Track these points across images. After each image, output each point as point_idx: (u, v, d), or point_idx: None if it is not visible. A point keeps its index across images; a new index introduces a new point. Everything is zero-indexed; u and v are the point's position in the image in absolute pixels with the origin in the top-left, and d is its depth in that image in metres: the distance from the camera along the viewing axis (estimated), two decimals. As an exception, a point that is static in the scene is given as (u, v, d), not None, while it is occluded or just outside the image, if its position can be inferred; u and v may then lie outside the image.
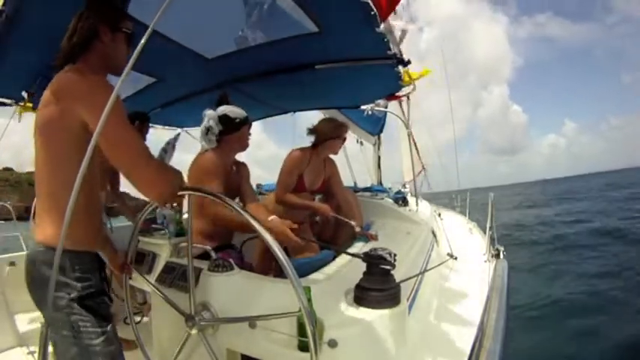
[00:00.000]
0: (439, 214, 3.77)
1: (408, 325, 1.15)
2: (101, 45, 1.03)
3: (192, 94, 2.57)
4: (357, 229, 2.04)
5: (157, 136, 3.41)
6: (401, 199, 2.82)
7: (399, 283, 1.10)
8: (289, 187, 2.15)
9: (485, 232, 3.10)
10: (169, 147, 3.39)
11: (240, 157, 1.98)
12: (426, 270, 1.79)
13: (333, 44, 1.80)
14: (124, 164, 0.93)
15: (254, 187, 3.44)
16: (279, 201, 2.13)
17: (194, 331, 1.04)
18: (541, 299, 4.99)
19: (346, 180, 2.78)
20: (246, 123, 1.81)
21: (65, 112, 0.92)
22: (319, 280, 1.28)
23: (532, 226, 12.51)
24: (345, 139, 2.33)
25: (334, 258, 1.57)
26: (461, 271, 2.27)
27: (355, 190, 3.26)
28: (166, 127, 3.43)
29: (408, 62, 1.83)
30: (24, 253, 2.80)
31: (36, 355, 2.01)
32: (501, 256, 2.47)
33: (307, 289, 0.90)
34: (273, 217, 1.54)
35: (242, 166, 1.96)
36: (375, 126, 4.67)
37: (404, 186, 3.55)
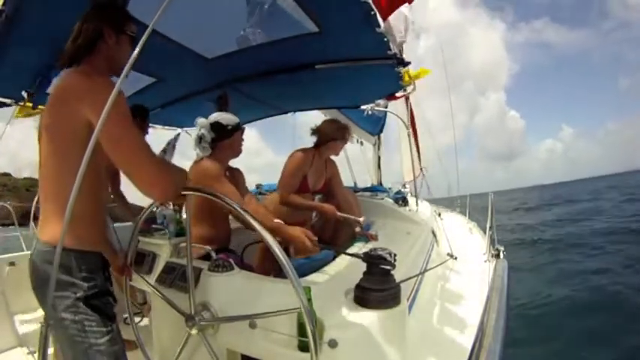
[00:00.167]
0: (439, 214, 3.77)
1: (408, 325, 1.15)
2: (105, 47, 1.04)
3: (192, 94, 2.57)
4: (357, 229, 2.04)
5: (157, 136, 3.41)
6: (401, 199, 2.82)
7: (399, 283, 1.10)
8: (293, 187, 2.15)
9: (485, 232, 3.10)
10: (169, 147, 3.39)
11: (239, 164, 1.99)
12: (426, 270, 1.79)
13: (333, 44, 1.81)
14: (124, 162, 0.93)
15: (254, 187, 3.45)
16: (284, 202, 2.12)
17: (194, 331, 1.04)
18: (541, 298, 4.99)
19: (346, 180, 2.79)
20: (238, 129, 1.82)
21: (71, 113, 0.92)
22: (319, 280, 1.28)
23: (532, 227, 12.52)
24: (347, 141, 2.33)
25: (334, 258, 1.57)
26: (461, 271, 2.27)
27: (355, 190, 3.27)
28: (166, 127, 3.43)
29: (408, 62, 1.83)
30: (24, 253, 2.80)
31: (36, 355, 2.01)
32: (501, 256, 2.47)
33: (307, 289, 0.90)
34: (277, 220, 1.55)
35: (236, 172, 1.98)
36: (375, 126, 4.67)
37: (404, 186, 3.55)
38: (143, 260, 1.68)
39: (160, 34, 1.58)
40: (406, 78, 2.07)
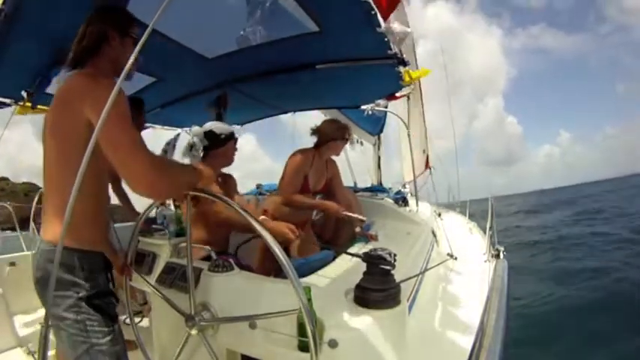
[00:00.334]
0: (439, 214, 3.77)
1: (408, 325, 1.15)
2: (110, 49, 1.05)
3: (192, 94, 2.57)
4: (357, 230, 2.04)
5: (157, 136, 3.41)
6: (401, 200, 2.82)
7: (399, 283, 1.10)
8: (296, 187, 2.14)
9: (485, 233, 3.09)
10: (170, 147, 3.38)
11: (237, 170, 2.01)
12: (426, 270, 1.79)
13: (334, 44, 1.81)
14: (119, 163, 0.91)
15: (254, 187, 3.45)
16: (287, 201, 2.12)
17: (194, 332, 1.04)
18: (542, 298, 4.99)
19: (346, 180, 2.78)
20: (231, 139, 1.84)
21: (73, 114, 0.93)
22: (319, 280, 1.28)
23: (532, 228, 12.54)
24: (347, 141, 2.33)
25: (334, 258, 1.57)
26: (461, 272, 2.27)
27: (355, 190, 3.27)
28: (166, 127, 3.43)
29: (409, 62, 1.83)
30: (24, 253, 2.80)
31: (36, 355, 2.01)
32: (501, 256, 2.47)
33: (307, 289, 0.90)
34: (262, 217, 1.57)
35: (228, 178, 2.00)
36: (375, 126, 4.67)
37: (404, 186, 3.55)
38: (143, 260, 1.68)
39: (160, 33, 1.59)
40: (406, 78, 2.07)
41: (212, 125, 1.82)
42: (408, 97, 3.78)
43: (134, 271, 1.29)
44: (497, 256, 2.48)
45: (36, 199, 2.98)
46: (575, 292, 5.27)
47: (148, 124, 3.19)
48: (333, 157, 2.41)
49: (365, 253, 1.13)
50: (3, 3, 1.20)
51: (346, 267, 1.39)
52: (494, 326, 1.30)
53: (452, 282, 2.09)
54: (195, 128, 1.80)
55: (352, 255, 1.29)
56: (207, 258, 1.37)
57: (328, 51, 1.93)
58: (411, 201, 2.94)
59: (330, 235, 2.41)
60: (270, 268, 1.86)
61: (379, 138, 5.00)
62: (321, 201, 2.22)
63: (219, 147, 1.81)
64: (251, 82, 2.36)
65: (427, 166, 4.68)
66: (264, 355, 1.03)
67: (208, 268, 1.24)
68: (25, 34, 1.41)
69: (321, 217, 2.52)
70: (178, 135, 3.52)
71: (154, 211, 2.17)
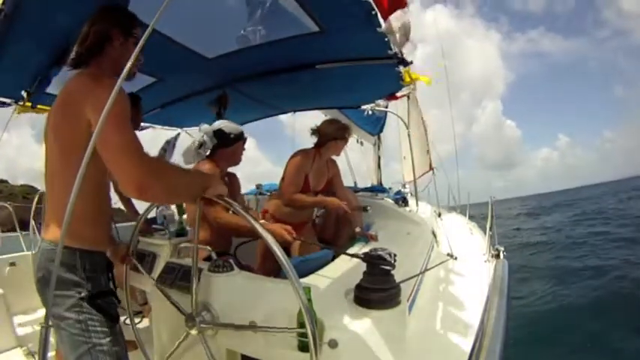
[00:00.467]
0: (439, 215, 3.77)
1: (407, 325, 1.15)
2: (113, 49, 1.05)
3: (192, 94, 2.57)
4: (357, 230, 2.04)
5: (157, 136, 3.41)
6: (401, 200, 2.82)
7: (399, 283, 1.10)
8: (297, 187, 2.14)
9: (485, 233, 3.09)
10: (169, 146, 3.38)
11: (239, 173, 2.01)
12: (426, 270, 1.79)
13: (334, 44, 1.80)
14: (112, 163, 0.89)
15: (254, 187, 3.46)
16: (289, 200, 2.11)
17: (194, 332, 1.04)
18: (542, 298, 5.00)
19: (346, 180, 2.78)
20: (240, 139, 1.84)
21: (75, 114, 0.93)
22: (319, 280, 1.28)
23: (532, 230, 12.55)
24: (347, 141, 2.33)
25: (334, 258, 1.57)
26: (461, 272, 2.26)
27: (355, 190, 3.26)
28: (166, 127, 3.43)
29: (410, 62, 1.83)
30: (24, 253, 2.80)
31: (36, 356, 2.01)
32: (501, 256, 2.47)
33: (307, 289, 0.90)
34: (262, 221, 1.57)
35: (233, 178, 1.99)
36: (375, 126, 4.67)
37: (404, 186, 3.55)
38: (143, 260, 1.69)
39: (160, 33, 1.58)
40: (406, 78, 2.07)
41: (222, 124, 1.81)
42: (408, 97, 3.79)
43: (134, 271, 1.29)
44: (497, 256, 2.48)
45: (36, 199, 2.98)
46: (575, 291, 5.28)
47: (147, 124, 3.19)
48: (334, 157, 2.42)
49: (365, 254, 1.13)
50: (3, 3, 1.19)
51: (346, 267, 1.39)
52: (494, 326, 1.30)
53: (452, 282, 2.09)
54: (205, 126, 1.80)
55: (352, 255, 1.29)
56: (208, 258, 1.37)
57: (328, 51, 1.93)
58: (411, 201, 2.93)
59: (331, 235, 2.41)
60: (271, 268, 1.87)
61: (379, 138, 5.01)
62: (322, 197, 2.21)
63: (227, 146, 1.80)
64: (251, 82, 2.36)
65: (431, 167, 4.68)
66: (264, 355, 1.03)
67: (208, 269, 1.24)
68: (25, 34, 1.41)
69: (322, 216, 2.52)
70: (178, 135, 3.53)
71: (154, 211, 2.17)
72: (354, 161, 4.57)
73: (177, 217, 2.33)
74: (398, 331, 1.08)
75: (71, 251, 0.96)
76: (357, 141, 4.75)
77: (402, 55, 1.71)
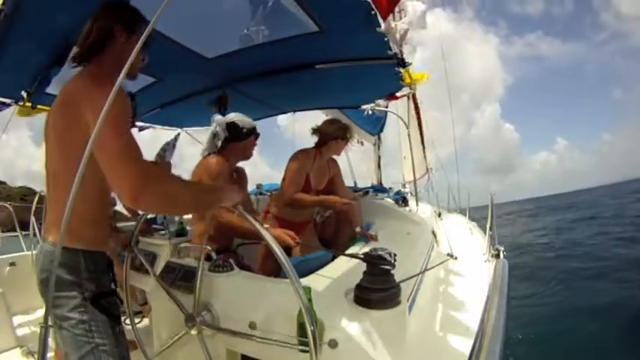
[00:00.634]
0: (439, 214, 3.77)
1: (407, 325, 1.14)
2: (116, 46, 1.02)
3: (192, 94, 2.57)
4: (357, 229, 2.04)
5: (157, 136, 3.41)
6: (401, 199, 2.82)
7: (399, 283, 1.10)
8: (299, 186, 2.14)
9: (485, 233, 3.09)
10: (169, 147, 3.38)
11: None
12: (426, 270, 1.79)
13: (334, 44, 1.80)
14: (107, 169, 0.85)
15: (254, 186, 3.45)
16: (290, 200, 2.11)
17: (193, 332, 1.04)
18: (542, 299, 5.00)
19: (346, 180, 2.78)
20: (252, 134, 1.82)
21: (75, 116, 0.91)
22: (319, 280, 1.28)
23: (532, 231, 12.55)
24: (348, 140, 2.33)
25: (334, 258, 1.57)
26: (461, 271, 2.26)
27: (355, 190, 3.26)
28: (166, 127, 3.43)
29: (409, 63, 1.83)
30: (24, 253, 2.80)
31: (35, 356, 2.00)
32: (501, 256, 2.47)
33: (307, 289, 0.90)
34: (266, 225, 1.56)
35: (241, 172, 1.97)
36: (375, 126, 4.67)
37: (404, 186, 3.55)
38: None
39: (160, 33, 1.58)
40: (406, 78, 2.07)
41: (236, 117, 1.80)
42: (408, 97, 3.79)
43: (134, 271, 1.29)
44: (498, 256, 2.47)
45: (36, 199, 2.98)
46: (575, 291, 5.28)
47: (147, 124, 3.19)
48: (334, 157, 2.42)
49: (365, 253, 1.13)
50: (3, 3, 1.19)
51: (346, 267, 1.39)
52: (494, 326, 1.30)
53: (452, 282, 2.08)
54: (219, 117, 1.78)
55: (352, 256, 1.29)
56: (208, 257, 1.37)
57: (328, 51, 1.93)
58: (411, 201, 2.93)
59: (331, 235, 2.41)
60: (271, 268, 1.87)
61: (379, 138, 5.01)
62: (325, 197, 2.21)
63: (239, 140, 1.79)
64: (251, 82, 2.36)
65: (427, 169, 4.69)
66: (264, 355, 1.03)
67: (209, 269, 1.24)
68: (25, 34, 1.41)
69: (322, 216, 2.52)
70: (178, 135, 3.53)
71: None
72: (355, 161, 4.57)
73: (177, 217, 2.33)
74: (398, 331, 1.08)
75: (74, 252, 0.96)
76: (357, 141, 4.75)
77: (401, 55, 1.71)
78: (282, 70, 2.19)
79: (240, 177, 1.94)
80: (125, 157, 0.84)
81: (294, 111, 3.33)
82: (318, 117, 3.66)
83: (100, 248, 1.05)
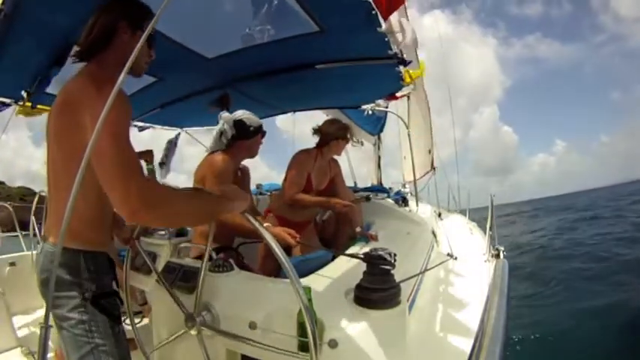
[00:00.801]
0: (439, 214, 3.77)
1: (408, 325, 1.14)
2: (120, 42, 0.98)
3: (192, 94, 2.57)
4: (358, 229, 2.04)
5: (157, 136, 3.42)
6: (401, 200, 2.82)
7: (399, 283, 1.10)
8: (300, 186, 2.14)
9: (485, 233, 3.09)
10: (172, 145, 3.39)
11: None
12: (426, 270, 1.79)
13: (334, 44, 1.80)
14: (103, 176, 0.81)
15: (254, 187, 3.46)
16: (291, 200, 2.11)
17: (193, 332, 1.04)
18: (542, 299, 4.99)
19: (347, 180, 2.78)
20: (259, 132, 1.82)
21: (75, 119, 0.90)
22: (319, 280, 1.28)
23: (532, 232, 12.56)
24: (348, 140, 2.34)
25: (333, 258, 1.57)
26: (461, 271, 2.26)
27: (355, 190, 3.26)
28: (166, 127, 3.43)
29: (409, 62, 1.82)
30: (24, 253, 2.80)
31: (35, 356, 2.00)
32: (501, 256, 2.47)
33: (307, 289, 0.90)
34: (267, 224, 1.56)
35: (245, 171, 1.97)
36: (375, 126, 4.67)
37: (404, 186, 3.55)
38: (143, 260, 1.68)
39: (160, 33, 1.58)
40: (406, 78, 2.07)
41: (243, 115, 1.80)
42: (408, 97, 3.79)
43: (135, 272, 1.29)
44: (498, 256, 2.47)
45: (36, 199, 2.98)
46: (575, 291, 5.28)
47: (147, 124, 3.19)
48: (335, 157, 2.42)
49: (365, 253, 1.13)
50: (3, 3, 1.19)
51: (346, 267, 1.39)
52: (494, 326, 1.30)
53: (452, 282, 2.08)
54: (226, 114, 1.79)
55: (352, 256, 1.29)
56: (208, 257, 1.37)
57: (328, 51, 1.93)
58: (411, 201, 2.93)
59: (331, 235, 2.41)
60: (271, 268, 1.87)
61: (379, 138, 5.01)
62: (327, 198, 2.21)
63: (246, 138, 1.79)
64: (251, 82, 2.36)
65: (432, 166, 4.68)
66: (263, 355, 1.03)
67: (209, 269, 1.24)
68: (25, 34, 1.41)
69: (322, 216, 2.52)
70: (179, 135, 3.54)
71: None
72: (355, 162, 4.58)
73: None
74: (398, 331, 1.08)
75: (74, 252, 0.96)
76: (358, 141, 4.75)
77: (401, 54, 1.71)
78: (283, 70, 2.19)
79: (244, 175, 1.94)
80: (125, 172, 0.79)
81: (295, 111, 3.33)
82: (316, 118, 3.67)
83: (101, 248, 1.05)
